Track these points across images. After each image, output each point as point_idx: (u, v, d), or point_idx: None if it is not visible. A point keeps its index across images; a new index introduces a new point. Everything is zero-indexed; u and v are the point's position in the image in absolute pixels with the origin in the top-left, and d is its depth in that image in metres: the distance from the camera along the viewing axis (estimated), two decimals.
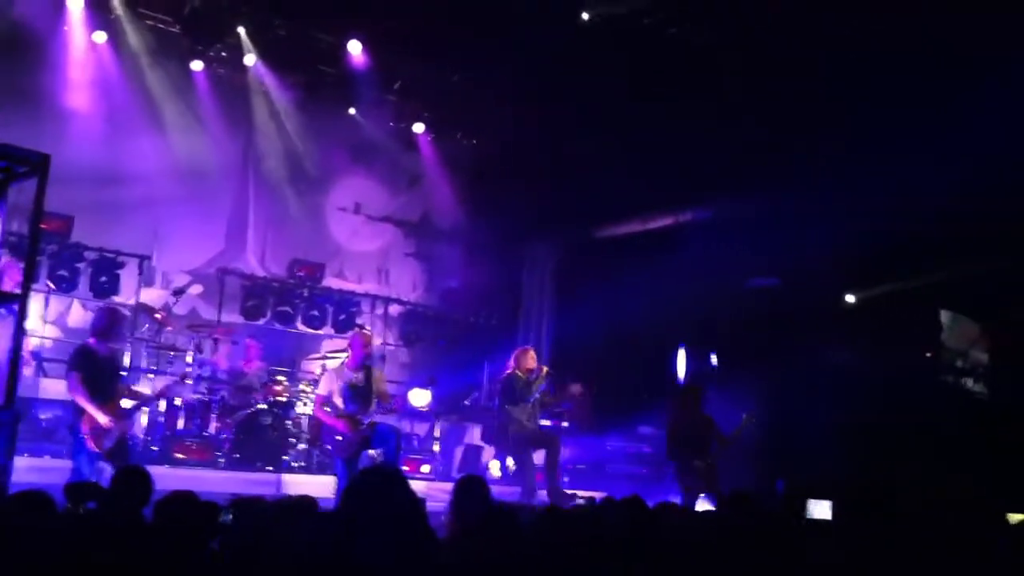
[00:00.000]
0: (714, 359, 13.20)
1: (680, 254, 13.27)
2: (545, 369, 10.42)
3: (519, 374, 10.33)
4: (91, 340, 8.42)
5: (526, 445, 10.29)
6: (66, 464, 8.29)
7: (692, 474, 9.83)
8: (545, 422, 10.82)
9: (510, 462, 12.65)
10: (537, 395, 10.33)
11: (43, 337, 11.08)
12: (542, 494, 10.04)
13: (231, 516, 4.94)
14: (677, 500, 10.09)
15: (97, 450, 7.98)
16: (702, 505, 9.44)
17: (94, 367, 8.20)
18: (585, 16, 12.32)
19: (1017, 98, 9.38)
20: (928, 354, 12.59)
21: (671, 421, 10.39)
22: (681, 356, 13.28)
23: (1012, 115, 9.56)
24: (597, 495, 8.99)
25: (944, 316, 12.62)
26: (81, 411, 8.03)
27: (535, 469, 10.22)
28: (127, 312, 10.82)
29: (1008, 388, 12.02)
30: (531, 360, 10.39)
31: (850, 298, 12.98)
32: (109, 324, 8.48)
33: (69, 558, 4.37)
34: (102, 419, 7.95)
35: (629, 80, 12.53)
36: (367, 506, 3.62)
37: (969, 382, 12.57)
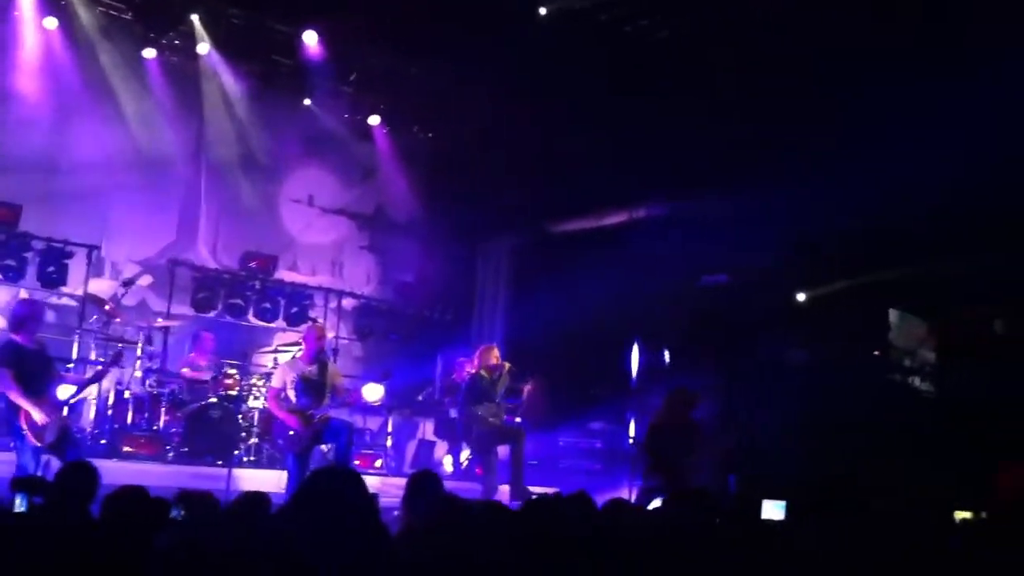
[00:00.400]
0: (667, 356, 13.27)
1: (634, 250, 13.32)
2: (507, 366, 10.41)
3: (483, 373, 10.31)
4: (14, 335, 8.22)
5: (491, 442, 10.29)
6: (10, 457, 8.16)
7: (659, 476, 9.86)
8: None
9: (463, 457, 12.67)
10: (503, 392, 10.33)
11: None
12: (504, 491, 10.05)
13: (181, 511, 4.89)
14: (628, 496, 10.18)
15: (39, 444, 7.86)
16: (656, 504, 9.48)
17: (23, 362, 8.01)
18: (543, 11, 12.33)
19: (976, 96, 9.52)
20: (877, 353, 12.74)
21: (654, 420, 10.41)
22: (634, 352, 13.33)
23: (966, 114, 9.71)
24: (552, 491, 9.00)
25: (893, 315, 12.78)
26: (17, 407, 7.88)
27: (498, 467, 10.22)
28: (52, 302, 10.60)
29: (954, 386, 12.19)
30: (494, 358, 10.39)
31: (801, 296, 13.10)
32: (29, 315, 8.26)
33: (17, 555, 4.30)
34: (38, 416, 7.81)
35: (584, 76, 12.56)
36: (320, 506, 3.60)
37: (916, 380, 12.74)
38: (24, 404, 7.80)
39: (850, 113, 11.36)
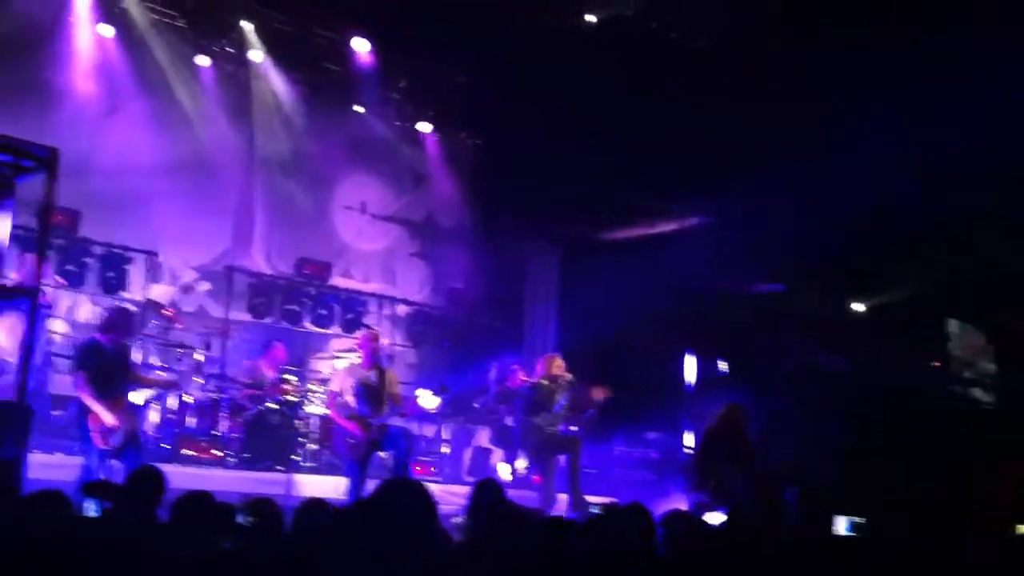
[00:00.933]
0: (723, 365, 13.17)
1: (685, 258, 13.26)
2: (569, 377, 10.37)
3: (543, 382, 10.29)
4: (98, 335, 8.40)
5: (549, 451, 10.26)
6: (78, 461, 8.28)
7: (707, 490, 9.80)
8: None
9: (520, 464, 12.64)
10: (563, 403, 10.29)
11: (53, 332, 11.01)
12: (562, 500, 10.02)
13: (248, 517, 4.92)
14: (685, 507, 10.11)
15: (105, 447, 7.97)
16: (712, 518, 9.41)
17: (101, 363, 8.18)
18: (590, 18, 12.31)
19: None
20: (935, 364, 12.56)
21: (708, 433, 10.36)
22: (690, 363, 13.25)
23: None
24: (608, 501, 8.97)
25: (952, 325, 12.59)
26: (88, 409, 8.01)
27: (555, 476, 10.19)
28: (136, 308, 10.75)
29: (1015, 396, 11.99)
30: (557, 367, 10.35)
31: (857, 306, 12.95)
32: (118, 320, 8.47)
33: (87, 559, 4.35)
34: (107, 418, 7.93)
35: (635, 82, 12.52)
36: (387, 515, 3.62)
37: (977, 391, 12.54)
38: (95, 407, 7.92)
39: (910, 116, 11.25)
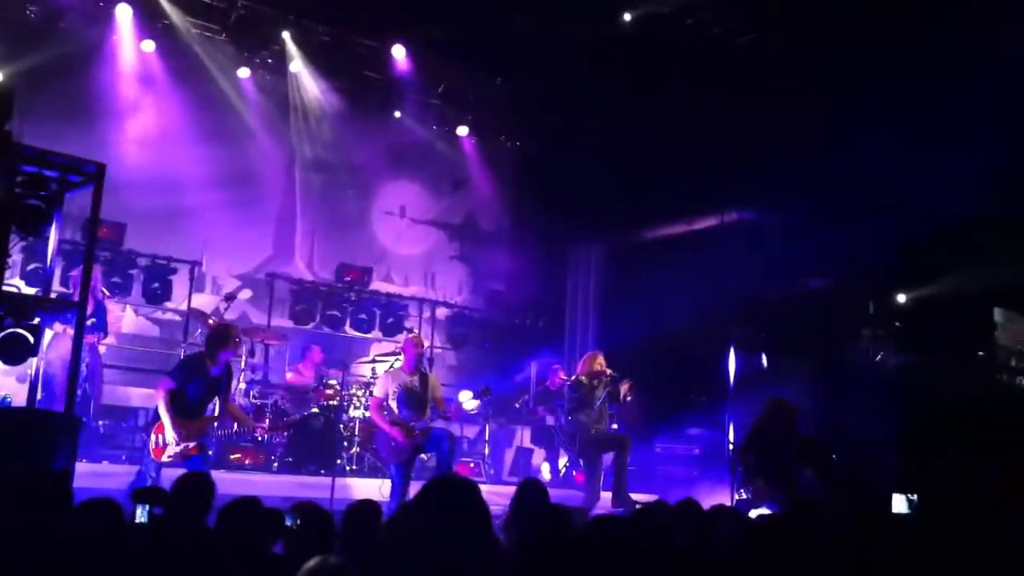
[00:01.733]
0: (764, 360, 13.09)
1: (725, 254, 13.21)
2: (610, 372, 10.39)
3: (583, 379, 10.31)
4: (204, 351, 8.45)
5: (596, 449, 10.28)
6: (124, 469, 8.41)
7: (752, 487, 9.78)
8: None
9: (561, 464, 12.68)
10: (604, 397, 10.32)
11: (99, 343, 11.20)
12: (605, 498, 10.03)
13: (297, 521, 4.98)
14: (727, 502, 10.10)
15: (156, 460, 8.07)
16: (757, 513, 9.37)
17: (192, 379, 8.19)
18: (627, 17, 12.30)
19: None
20: (982, 353, 12.41)
21: (752, 429, 10.31)
22: (731, 357, 13.17)
23: None
24: (653, 498, 8.96)
25: (998, 314, 12.44)
26: (158, 417, 8.11)
27: (601, 474, 10.21)
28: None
29: None
30: (599, 364, 10.38)
31: (901, 298, 12.82)
32: (216, 340, 8.43)
33: (140, 565, 4.44)
34: (170, 435, 8.01)
35: (675, 79, 12.50)
36: (438, 513, 3.64)
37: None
38: (164, 418, 7.99)
39: (949, 107, 11.14)
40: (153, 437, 8.04)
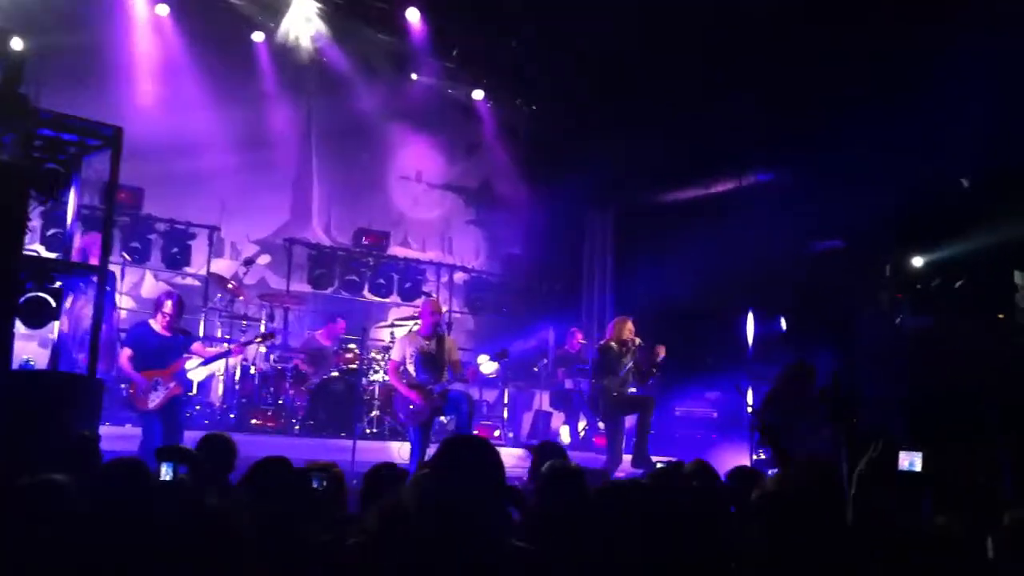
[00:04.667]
0: (783, 323, 13.07)
1: (743, 217, 13.16)
2: (638, 340, 10.37)
3: (613, 345, 10.31)
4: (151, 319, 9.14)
5: (619, 412, 10.31)
6: (128, 432, 8.87)
7: (769, 448, 9.84)
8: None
9: (580, 427, 12.73)
10: (630, 365, 10.32)
11: (119, 308, 11.27)
12: (626, 460, 10.08)
13: (322, 481, 5.03)
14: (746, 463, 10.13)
15: (143, 408, 8.66)
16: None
17: (141, 343, 8.95)
18: None
19: None
20: (1000, 316, 12.33)
21: (770, 392, 10.34)
22: (749, 321, 13.16)
23: None
24: (672, 460, 8.99)
25: (1019, 277, 12.34)
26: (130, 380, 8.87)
27: (623, 436, 10.24)
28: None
29: None
30: (628, 331, 10.34)
31: (919, 260, 12.74)
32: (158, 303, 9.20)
33: (171, 523, 4.48)
34: (142, 383, 8.72)
35: (689, 43, 12.39)
36: (461, 468, 3.67)
37: None
38: (132, 376, 8.77)
39: (967, 65, 11.03)
40: (133, 394, 8.78)
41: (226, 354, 9.95)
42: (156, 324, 8.98)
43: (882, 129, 11.55)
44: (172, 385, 8.75)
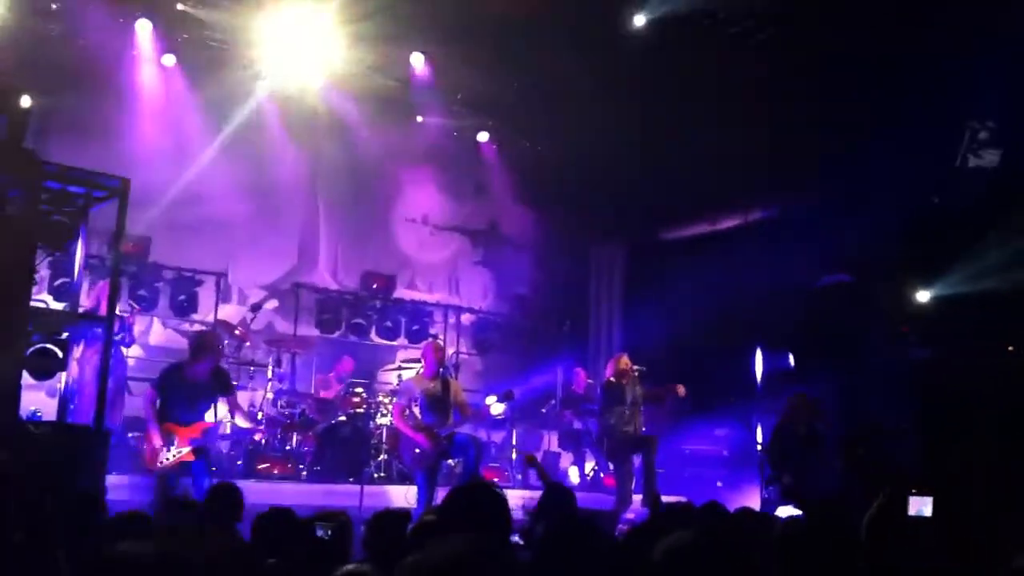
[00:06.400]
0: (791, 359, 13.05)
1: (749, 253, 13.17)
2: (636, 368, 10.41)
3: (613, 379, 10.34)
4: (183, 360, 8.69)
5: (624, 451, 10.28)
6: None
7: (779, 485, 9.83)
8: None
9: (589, 468, 12.69)
10: (631, 398, 10.32)
11: (127, 356, 11.31)
12: (636, 500, 10.04)
13: (327, 531, 5.02)
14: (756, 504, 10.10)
15: (150, 467, 8.24)
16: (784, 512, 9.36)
17: (171, 388, 8.43)
18: (640, 19, 12.29)
19: None
20: (1011, 348, 12.29)
21: (776, 427, 10.41)
22: (758, 357, 13.15)
23: None
24: (682, 499, 8.96)
25: None
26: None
27: (632, 476, 10.21)
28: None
29: None
30: (624, 363, 10.40)
31: (924, 294, 12.71)
32: (196, 348, 8.66)
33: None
34: (156, 441, 8.20)
35: (690, 80, 12.46)
36: (465, 519, 3.67)
37: None
38: (149, 427, 8.27)
39: (967, 103, 11.10)
40: (145, 447, 8.29)
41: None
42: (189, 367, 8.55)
43: (886, 162, 11.60)
44: (186, 451, 8.22)
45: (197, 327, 13.12)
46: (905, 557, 4.44)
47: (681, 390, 10.58)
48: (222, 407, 9.39)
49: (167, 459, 8.19)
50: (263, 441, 10.05)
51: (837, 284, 12.97)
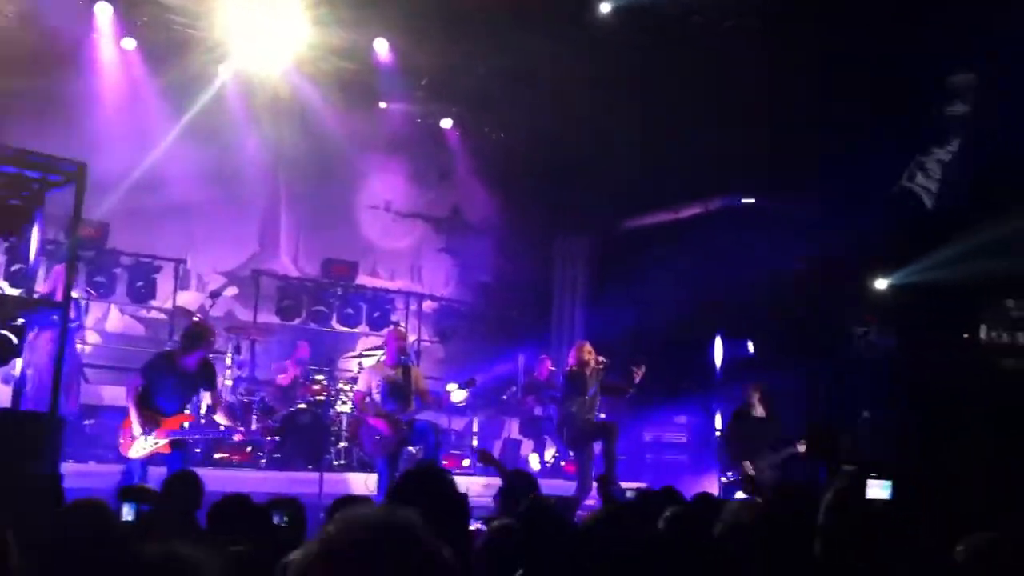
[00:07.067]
0: (751, 347, 13.16)
1: (711, 243, 13.25)
2: (601, 359, 10.40)
3: (575, 370, 10.34)
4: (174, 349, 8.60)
5: (585, 439, 10.31)
6: (112, 469, 8.46)
7: (738, 469, 9.96)
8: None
9: (549, 454, 12.73)
10: (595, 389, 10.33)
11: (83, 343, 11.19)
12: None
13: (284, 517, 5.01)
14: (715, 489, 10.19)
15: (125, 455, 8.13)
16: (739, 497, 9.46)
17: (160, 376, 8.29)
18: (604, 6, 12.30)
19: None
20: (966, 335, 12.45)
21: (735, 413, 10.51)
22: (718, 345, 13.25)
23: None
24: (641, 486, 9.02)
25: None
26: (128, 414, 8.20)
27: (593, 464, 10.23)
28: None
29: None
30: (587, 352, 10.37)
31: (884, 283, 12.85)
32: (190, 338, 8.52)
33: (129, 565, 4.43)
34: (136, 429, 8.08)
35: (655, 70, 12.50)
36: (414, 506, 3.65)
37: (1011, 362, 12.40)
38: (131, 413, 8.10)
39: (929, 95, 11.22)
40: (122, 433, 8.14)
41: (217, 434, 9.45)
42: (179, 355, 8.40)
43: (853, 153, 11.70)
44: (163, 443, 8.08)
45: (155, 314, 13.02)
46: (863, 540, 4.47)
47: (639, 372, 10.55)
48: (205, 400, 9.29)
49: (143, 448, 8.08)
50: (241, 440, 9.92)
51: (797, 272, 13.08)
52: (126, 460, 8.18)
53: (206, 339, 8.51)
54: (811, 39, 11.31)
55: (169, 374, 8.28)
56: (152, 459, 8.14)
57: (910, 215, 11.96)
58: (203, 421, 9.17)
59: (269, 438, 10.76)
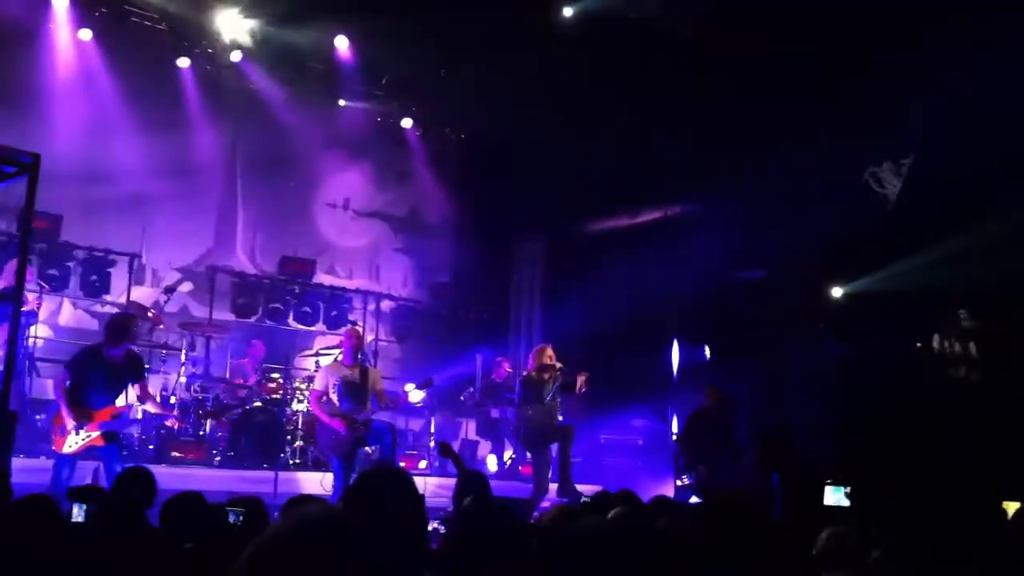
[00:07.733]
0: (707, 352, 13.24)
1: (669, 247, 13.31)
2: (559, 366, 10.37)
3: (534, 375, 10.31)
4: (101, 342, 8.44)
5: (542, 441, 10.30)
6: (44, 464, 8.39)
7: (693, 473, 10.01)
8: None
9: (507, 456, 12.72)
10: (554, 392, 10.31)
11: (35, 337, 11.01)
12: (552, 489, 10.07)
13: (239, 516, 4.95)
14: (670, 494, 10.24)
15: (57, 450, 8.02)
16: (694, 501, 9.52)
17: (88, 369, 8.20)
18: (568, 11, 12.32)
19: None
20: (919, 344, 12.62)
21: (690, 417, 10.56)
22: (675, 349, 13.32)
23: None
24: (597, 488, 9.05)
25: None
26: (58, 409, 8.15)
27: (549, 465, 10.22)
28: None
29: (1001, 375, 12.03)
30: (548, 358, 10.34)
31: (837, 291, 12.98)
32: (114, 329, 8.42)
33: (76, 565, 4.37)
34: (68, 423, 7.99)
35: (614, 75, 12.54)
36: (372, 507, 3.63)
37: (962, 370, 12.58)
38: (62, 409, 8.00)
39: (886, 104, 11.33)
40: (54, 429, 8.07)
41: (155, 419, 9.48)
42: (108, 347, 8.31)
43: (805, 160, 11.80)
44: (95, 435, 8.01)
45: (109, 308, 12.83)
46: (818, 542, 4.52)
47: (581, 380, 10.57)
48: (131, 392, 9.14)
49: (76, 443, 7.99)
50: (175, 426, 9.80)
51: (754, 279, 13.18)
52: (57, 456, 8.06)
53: (131, 330, 8.45)
54: (780, 48, 11.39)
55: (97, 368, 8.21)
56: (87, 453, 8.06)
57: (868, 224, 12.07)
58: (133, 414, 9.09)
59: (223, 420, 10.72)
